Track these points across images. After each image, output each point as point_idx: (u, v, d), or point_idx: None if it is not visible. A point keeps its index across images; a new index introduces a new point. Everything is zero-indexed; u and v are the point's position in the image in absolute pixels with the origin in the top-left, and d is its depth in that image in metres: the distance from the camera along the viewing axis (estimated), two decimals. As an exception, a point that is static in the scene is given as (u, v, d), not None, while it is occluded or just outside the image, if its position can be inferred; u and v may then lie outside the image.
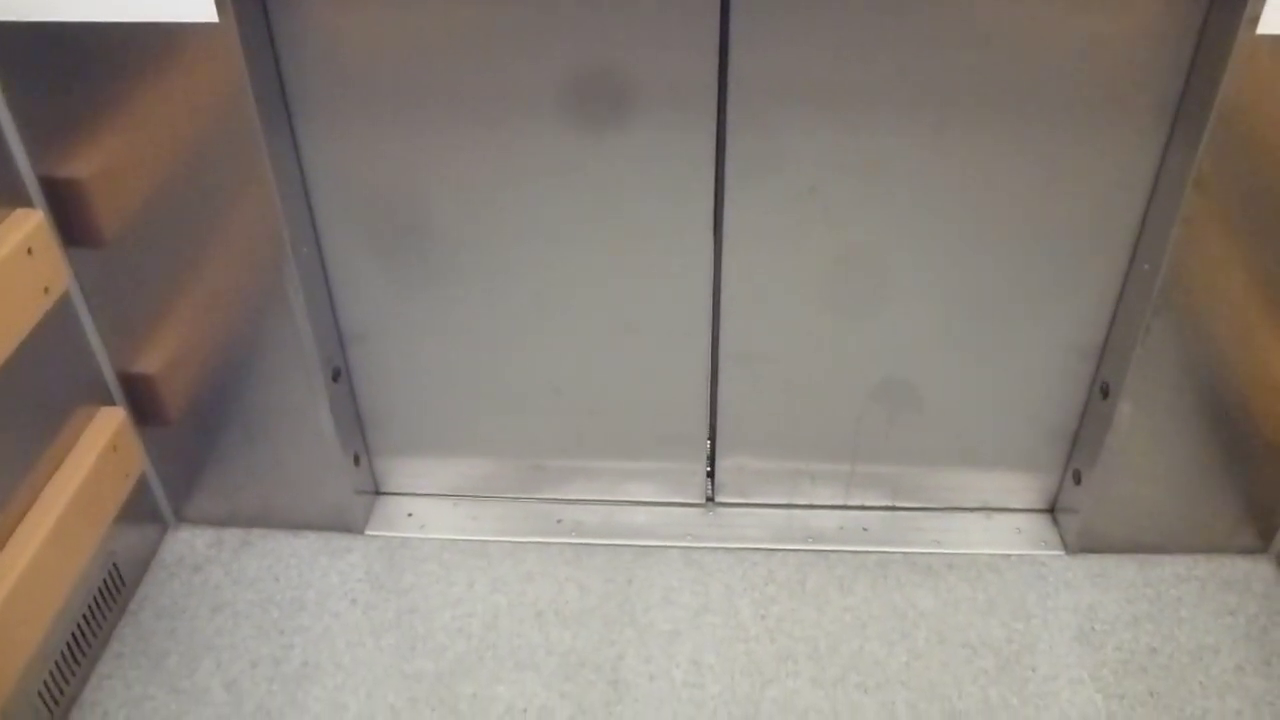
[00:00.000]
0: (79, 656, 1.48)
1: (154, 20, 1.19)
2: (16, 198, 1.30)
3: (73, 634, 1.47)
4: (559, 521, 1.75)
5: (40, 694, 1.40)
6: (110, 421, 1.50)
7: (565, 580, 1.65)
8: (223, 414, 1.59)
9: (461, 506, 1.78)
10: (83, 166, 1.32)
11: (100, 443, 1.47)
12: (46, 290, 1.32)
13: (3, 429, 1.31)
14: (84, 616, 1.50)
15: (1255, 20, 1.17)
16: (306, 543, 1.71)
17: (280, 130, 1.34)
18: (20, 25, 1.20)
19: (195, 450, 1.65)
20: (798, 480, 1.75)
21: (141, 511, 1.66)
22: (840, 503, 1.77)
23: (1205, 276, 1.37)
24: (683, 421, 1.68)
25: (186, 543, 1.71)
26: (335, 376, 1.58)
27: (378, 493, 1.81)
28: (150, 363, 1.53)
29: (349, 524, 1.73)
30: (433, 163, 1.40)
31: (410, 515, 1.76)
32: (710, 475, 1.76)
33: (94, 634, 1.52)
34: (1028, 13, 1.25)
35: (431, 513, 1.77)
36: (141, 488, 1.63)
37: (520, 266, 1.50)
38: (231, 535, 1.73)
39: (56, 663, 1.43)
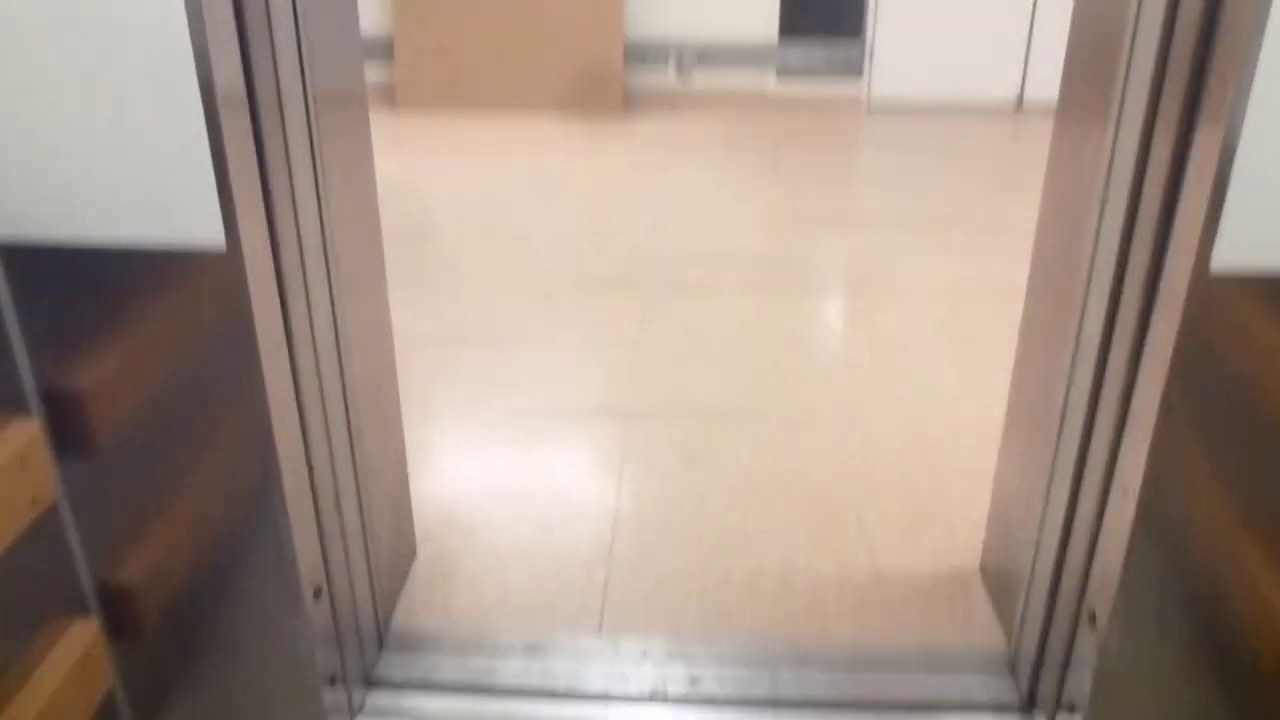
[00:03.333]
0: None
1: (162, 246, 1.26)
2: (16, 409, 1.34)
3: None
4: (539, 748, 1.69)
5: None
6: (83, 636, 1.48)
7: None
8: (201, 629, 1.57)
9: (440, 729, 1.72)
10: (84, 378, 1.36)
11: (70, 659, 1.44)
12: (34, 501, 1.34)
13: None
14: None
15: (1208, 257, 1.23)
16: (277, 768, 1.65)
17: (279, 358, 1.39)
18: (33, 243, 1.27)
19: (171, 666, 1.61)
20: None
21: (107, 731, 1.61)
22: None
23: (1183, 498, 1.38)
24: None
25: (152, 766, 1.65)
26: (317, 594, 1.56)
27: (358, 711, 1.75)
28: (131, 573, 1.52)
29: (322, 748, 1.67)
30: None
31: (389, 738, 1.71)
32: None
33: None
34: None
35: (408, 736, 1.71)
36: (108, 706, 1.59)
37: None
38: (200, 758, 1.67)
39: None
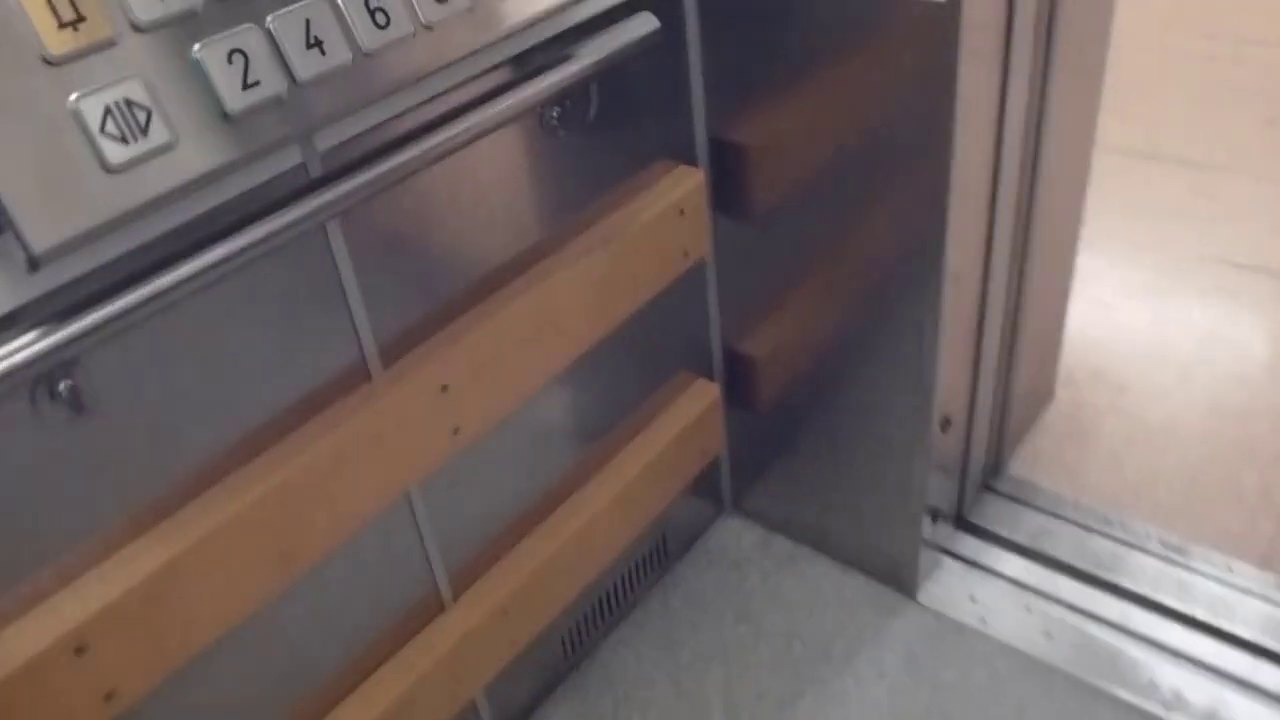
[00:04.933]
0: (605, 614, 1.46)
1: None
2: (685, 155, 1.25)
3: (610, 590, 1.44)
4: (1150, 682, 1.38)
5: (563, 640, 1.39)
6: (703, 397, 1.44)
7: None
8: (811, 419, 1.46)
9: (1036, 612, 1.47)
10: (754, 134, 1.23)
11: (689, 416, 1.41)
12: (685, 254, 1.26)
13: (604, 382, 1.28)
14: (623, 577, 1.47)
15: None
16: (853, 585, 1.53)
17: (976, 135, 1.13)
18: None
19: (773, 444, 1.54)
20: None
21: (702, 489, 1.59)
22: None
23: None
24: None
25: (734, 535, 1.63)
26: (944, 425, 1.36)
27: (945, 553, 1.57)
28: (758, 345, 1.44)
29: (903, 582, 1.52)
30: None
31: (973, 600, 1.50)
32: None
33: (624, 597, 1.49)
34: None
35: (997, 604, 1.49)
36: (713, 467, 1.57)
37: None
38: (779, 544, 1.60)
39: (586, 614, 1.42)
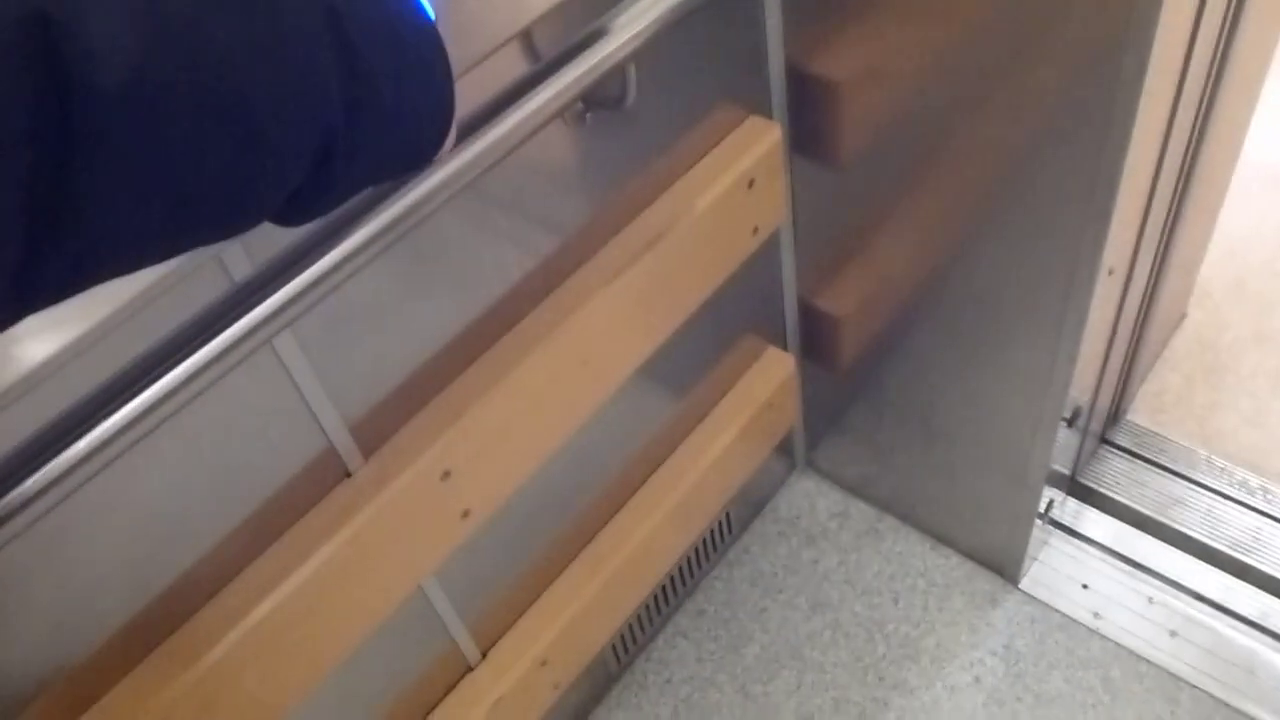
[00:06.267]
0: (662, 605, 1.29)
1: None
2: (755, 104, 0.96)
3: (669, 576, 1.27)
4: (1300, 699, 1.19)
5: (614, 645, 1.23)
6: (775, 371, 1.20)
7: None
8: (902, 379, 1.22)
9: (1159, 605, 1.27)
10: (844, 66, 0.94)
11: (759, 396, 1.18)
12: (755, 231, 1.00)
13: (652, 369, 1.05)
14: (685, 558, 1.29)
15: None
16: (944, 566, 1.34)
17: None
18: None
19: (853, 398, 1.31)
20: None
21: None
22: None
23: None
24: None
25: (808, 499, 1.43)
26: (1072, 419, 1.12)
27: (1054, 525, 1.36)
28: (840, 301, 1.19)
29: (1004, 566, 1.32)
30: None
31: (1085, 588, 1.30)
32: None
33: (684, 581, 1.32)
34: None
35: (1115, 598, 1.29)
36: (787, 439, 1.35)
37: None
38: (860, 512, 1.40)
39: (639, 610, 1.25)
